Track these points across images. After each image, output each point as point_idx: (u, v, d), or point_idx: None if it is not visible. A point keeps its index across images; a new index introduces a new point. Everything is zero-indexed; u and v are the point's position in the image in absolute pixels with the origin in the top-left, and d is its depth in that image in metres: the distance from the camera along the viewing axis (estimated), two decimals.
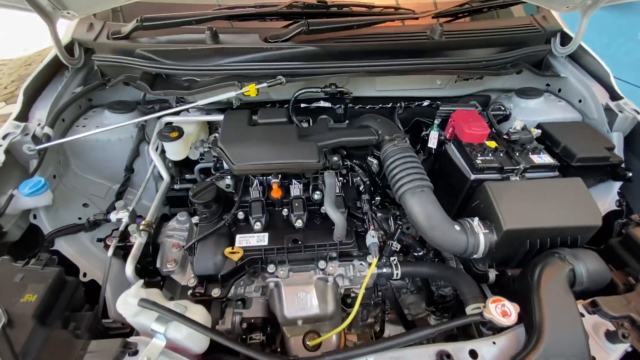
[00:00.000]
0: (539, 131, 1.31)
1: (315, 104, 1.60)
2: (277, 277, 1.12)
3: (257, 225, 1.12)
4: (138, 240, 1.09)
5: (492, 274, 1.13)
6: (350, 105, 1.61)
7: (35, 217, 1.20)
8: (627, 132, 1.35)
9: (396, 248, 1.35)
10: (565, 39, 1.55)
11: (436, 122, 1.50)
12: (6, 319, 0.77)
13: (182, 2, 1.58)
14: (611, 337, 0.88)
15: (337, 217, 1.05)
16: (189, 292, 1.10)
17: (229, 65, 1.30)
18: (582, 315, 0.89)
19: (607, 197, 1.33)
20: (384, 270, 1.15)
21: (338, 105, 1.63)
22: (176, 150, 1.34)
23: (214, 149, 1.24)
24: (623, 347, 0.87)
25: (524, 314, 0.89)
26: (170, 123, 1.40)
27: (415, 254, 1.40)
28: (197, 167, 1.44)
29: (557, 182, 1.14)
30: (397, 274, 1.17)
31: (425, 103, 1.64)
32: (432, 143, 1.47)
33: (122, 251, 1.17)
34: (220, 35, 1.35)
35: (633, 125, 1.33)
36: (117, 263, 1.19)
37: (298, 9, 1.38)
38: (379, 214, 1.29)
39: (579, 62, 1.59)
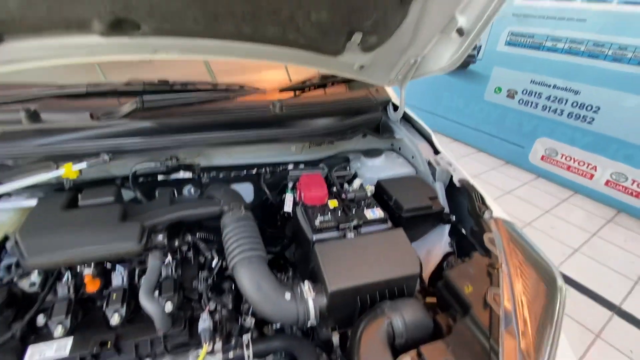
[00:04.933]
0: (372, 188, 1.44)
1: (174, 176, 1.54)
2: None
3: (58, 330, 0.94)
4: None
5: (336, 337, 1.10)
6: (209, 175, 1.60)
7: None
8: (447, 182, 1.57)
9: (250, 324, 1.26)
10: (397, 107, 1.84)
11: (289, 185, 1.56)
12: None
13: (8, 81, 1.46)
14: None
15: (150, 307, 0.93)
16: None
17: (49, 146, 1.19)
18: None
19: (441, 241, 1.48)
20: (230, 354, 1.04)
21: (198, 176, 1.60)
22: None
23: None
24: None
25: None
26: None
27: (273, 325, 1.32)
28: (2, 264, 1.21)
29: (381, 235, 1.22)
30: (248, 355, 1.06)
31: (290, 167, 1.72)
32: (288, 207, 1.50)
33: None
34: (43, 113, 1.26)
35: (449, 176, 1.56)
36: None
37: (137, 88, 1.38)
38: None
39: (412, 124, 1.88)
